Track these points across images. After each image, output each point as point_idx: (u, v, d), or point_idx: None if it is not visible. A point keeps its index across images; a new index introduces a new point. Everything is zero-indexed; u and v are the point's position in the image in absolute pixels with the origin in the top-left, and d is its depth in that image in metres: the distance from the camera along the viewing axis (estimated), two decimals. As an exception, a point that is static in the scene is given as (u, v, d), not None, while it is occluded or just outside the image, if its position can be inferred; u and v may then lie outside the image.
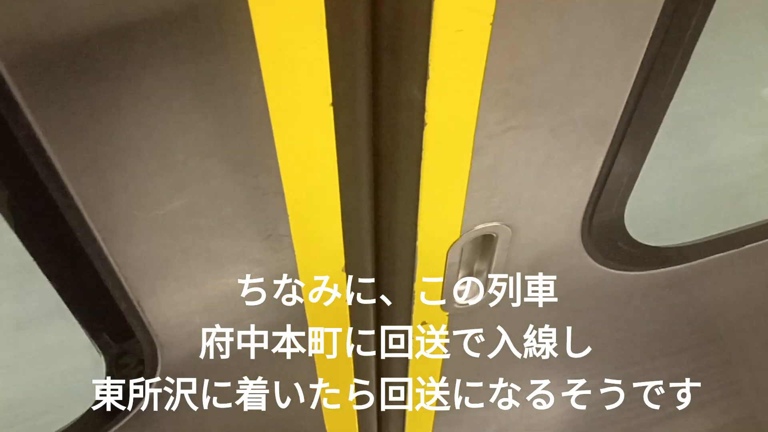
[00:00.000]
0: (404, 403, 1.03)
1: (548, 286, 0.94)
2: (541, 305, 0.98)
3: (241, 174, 0.61)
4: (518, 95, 0.62)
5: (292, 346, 0.86)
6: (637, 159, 0.77)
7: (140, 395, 0.83)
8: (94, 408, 0.85)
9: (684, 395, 1.45)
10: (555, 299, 0.98)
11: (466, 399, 1.08)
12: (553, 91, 0.63)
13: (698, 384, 1.43)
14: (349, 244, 0.74)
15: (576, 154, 0.72)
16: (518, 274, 0.90)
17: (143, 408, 0.86)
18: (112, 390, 0.82)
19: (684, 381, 1.39)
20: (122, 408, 0.85)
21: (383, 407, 1.06)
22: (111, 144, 0.54)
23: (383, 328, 0.92)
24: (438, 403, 1.06)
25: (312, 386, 0.97)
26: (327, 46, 0.52)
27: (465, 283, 0.90)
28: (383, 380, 1.01)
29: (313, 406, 1.01)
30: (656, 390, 1.39)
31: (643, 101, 0.68)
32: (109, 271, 0.63)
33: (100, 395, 0.83)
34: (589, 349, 1.18)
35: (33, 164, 0.52)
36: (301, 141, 0.59)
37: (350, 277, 0.79)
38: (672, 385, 1.39)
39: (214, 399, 0.91)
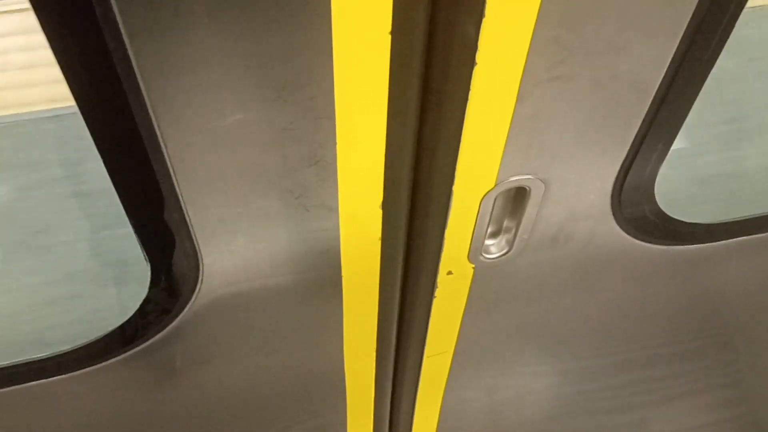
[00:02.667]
0: (422, 348, 1.07)
1: (573, 249, 0.97)
2: (564, 269, 1.01)
3: (299, 94, 0.65)
4: (567, 44, 0.65)
5: (325, 277, 0.91)
6: (675, 124, 0.79)
7: (178, 311, 0.88)
8: (131, 319, 0.90)
9: (687, 383, 1.47)
10: (578, 265, 1.01)
11: (483, 353, 1.12)
12: (601, 43, 0.66)
13: (704, 373, 1.45)
14: (388, 181, 0.78)
15: (615, 111, 0.75)
16: (545, 234, 0.93)
17: (179, 325, 0.90)
18: (152, 302, 0.86)
19: (690, 367, 1.41)
20: (158, 322, 0.90)
21: (402, 351, 1.10)
22: (185, 50, 0.58)
23: (410, 273, 0.96)
24: (456, 351, 1.10)
25: (337, 324, 1.01)
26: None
27: (493, 237, 0.93)
28: (404, 325, 1.05)
29: (335, 344, 1.06)
30: (659, 375, 1.41)
31: (687, 63, 0.70)
32: (165, 176, 0.68)
33: (140, 306, 0.88)
34: (603, 325, 1.21)
35: (112, 58, 0.56)
36: (357, 66, 0.62)
37: (386, 214, 0.82)
38: (676, 371, 1.41)
39: (247, 325, 0.96)
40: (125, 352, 0.93)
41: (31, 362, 0.92)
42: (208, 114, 0.63)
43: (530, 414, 1.43)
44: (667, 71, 0.71)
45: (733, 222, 1.00)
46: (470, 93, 0.67)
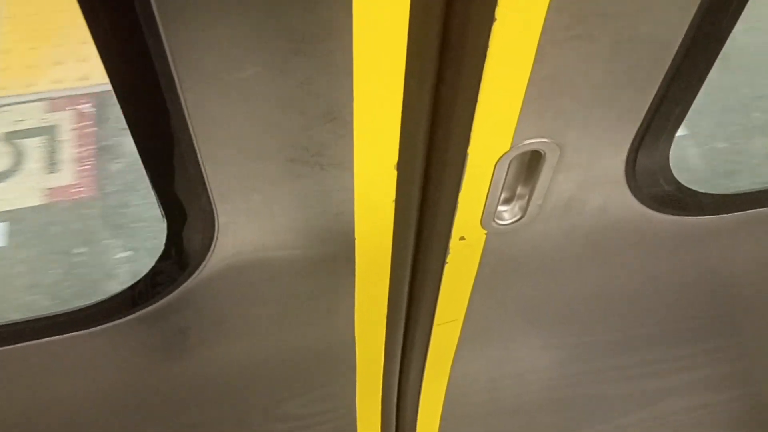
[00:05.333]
0: (432, 316, 1.07)
1: (586, 218, 0.97)
2: (576, 238, 1.02)
3: (317, 48, 0.65)
4: (588, 2, 0.65)
5: (338, 241, 0.91)
6: (691, 90, 0.79)
7: (192, 270, 0.89)
8: (143, 279, 0.91)
9: (699, 361, 1.47)
10: (591, 234, 1.01)
11: (492, 322, 1.12)
12: (623, 2, 0.66)
13: (717, 351, 1.45)
14: (404, 140, 0.78)
15: (634, 74, 0.74)
16: (558, 201, 0.93)
17: (191, 287, 0.91)
18: (167, 261, 0.87)
19: (699, 345, 1.41)
20: (171, 282, 0.91)
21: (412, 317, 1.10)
22: None
23: (423, 238, 0.96)
24: (465, 319, 1.10)
25: (349, 291, 1.02)
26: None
27: (506, 203, 0.93)
28: (416, 292, 1.06)
29: (347, 312, 1.07)
30: (670, 352, 1.41)
31: (706, 25, 0.70)
32: (183, 127, 0.68)
33: (154, 266, 0.88)
34: (615, 297, 1.21)
35: (134, 5, 0.56)
36: (376, 20, 0.62)
37: (400, 176, 0.82)
38: (686, 348, 1.41)
39: (259, 288, 0.96)
40: (135, 312, 0.94)
41: (40, 318, 0.93)
42: (228, 65, 0.64)
43: (537, 388, 1.44)
44: (686, 33, 0.70)
45: (749, 193, 1.00)
46: (488, 50, 0.67)
